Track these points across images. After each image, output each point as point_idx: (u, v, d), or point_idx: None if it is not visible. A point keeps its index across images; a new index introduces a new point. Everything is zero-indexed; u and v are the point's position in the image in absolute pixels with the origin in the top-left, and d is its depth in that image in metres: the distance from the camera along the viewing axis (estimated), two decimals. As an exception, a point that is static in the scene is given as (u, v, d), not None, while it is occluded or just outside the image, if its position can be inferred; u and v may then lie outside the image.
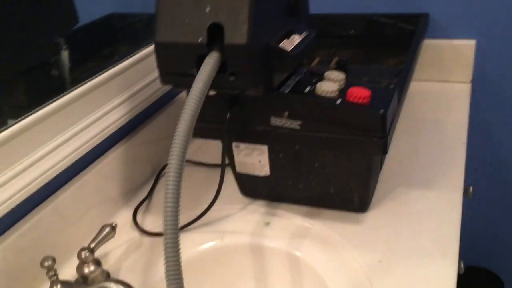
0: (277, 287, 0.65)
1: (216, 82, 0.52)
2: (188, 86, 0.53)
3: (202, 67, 0.51)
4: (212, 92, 0.56)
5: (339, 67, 0.91)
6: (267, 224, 0.68)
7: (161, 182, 0.80)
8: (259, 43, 0.52)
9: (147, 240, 0.68)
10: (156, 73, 0.81)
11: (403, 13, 1.00)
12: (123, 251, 0.66)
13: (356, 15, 1.03)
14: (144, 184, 0.80)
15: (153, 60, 0.81)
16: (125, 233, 0.69)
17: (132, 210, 0.74)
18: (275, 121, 0.61)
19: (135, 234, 0.69)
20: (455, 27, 0.98)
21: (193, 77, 0.52)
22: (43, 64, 0.69)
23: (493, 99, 1.01)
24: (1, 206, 0.54)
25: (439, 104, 0.94)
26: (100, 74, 0.70)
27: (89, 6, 0.77)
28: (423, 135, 0.84)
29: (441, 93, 0.99)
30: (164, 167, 0.83)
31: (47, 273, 0.54)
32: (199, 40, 0.52)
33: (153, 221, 0.71)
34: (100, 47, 0.84)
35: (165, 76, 0.56)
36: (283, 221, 0.68)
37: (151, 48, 0.81)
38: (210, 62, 0.51)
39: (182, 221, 0.67)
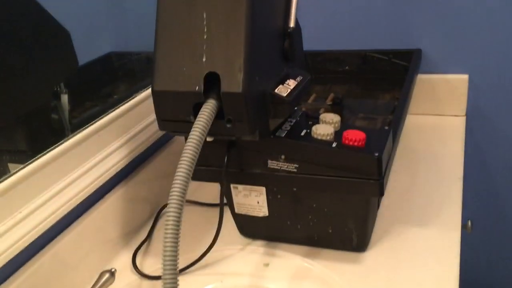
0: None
1: (213, 128, 0.53)
2: (185, 133, 0.54)
3: (200, 114, 0.52)
4: (209, 138, 0.57)
5: (335, 104, 0.93)
6: (267, 265, 0.68)
7: (160, 222, 0.81)
8: (255, 90, 0.54)
9: (146, 284, 0.68)
10: (153, 116, 0.82)
11: (396, 49, 1.02)
12: (123, 296, 0.66)
13: (350, 51, 1.05)
14: (144, 225, 0.80)
15: (150, 103, 0.82)
16: (125, 277, 0.69)
17: (132, 252, 0.74)
18: (272, 164, 0.61)
19: (135, 277, 0.69)
20: (447, 62, 1.00)
21: (190, 124, 0.53)
22: (43, 108, 0.70)
23: (487, 131, 1.02)
24: (2, 255, 0.55)
25: (434, 137, 0.96)
26: (99, 119, 0.72)
27: (87, 46, 0.78)
28: (419, 170, 0.85)
29: (435, 126, 1.00)
30: (163, 207, 0.83)
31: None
32: (196, 88, 0.53)
33: (152, 263, 0.71)
34: (99, 87, 0.86)
35: (163, 123, 0.57)
36: (282, 262, 0.68)
37: (148, 91, 0.83)
38: (207, 110, 0.52)
39: (181, 263, 0.68)
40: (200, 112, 0.52)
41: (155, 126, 0.81)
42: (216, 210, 0.81)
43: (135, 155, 0.77)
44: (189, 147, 0.51)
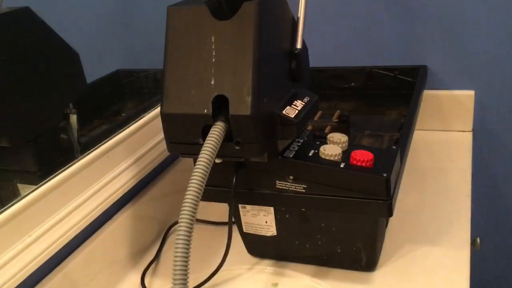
0: None
1: (222, 150, 0.54)
2: (194, 155, 0.55)
3: (208, 137, 0.53)
4: (218, 160, 0.58)
5: (341, 121, 0.93)
6: (275, 285, 0.68)
7: (169, 241, 0.81)
8: (263, 112, 0.54)
9: (155, 304, 0.68)
10: (161, 135, 0.83)
11: (402, 65, 1.02)
12: (132, 317, 0.66)
13: (356, 68, 1.05)
14: (152, 244, 0.80)
15: (157, 123, 0.82)
16: (133, 298, 0.69)
17: (140, 273, 0.74)
18: (281, 184, 0.62)
19: (143, 298, 0.69)
20: (453, 79, 1.00)
21: (199, 146, 0.53)
22: (53, 129, 0.71)
23: (494, 147, 1.02)
24: (13, 278, 0.55)
25: (442, 153, 0.95)
26: (108, 140, 0.72)
27: (95, 64, 0.79)
28: (427, 187, 0.85)
29: (443, 142, 1.00)
30: (171, 226, 0.83)
31: None
32: (205, 111, 0.54)
33: (161, 284, 0.71)
34: (106, 104, 0.87)
35: (172, 145, 0.57)
36: (291, 282, 0.68)
37: (155, 111, 0.83)
38: (216, 133, 0.53)
39: (190, 284, 0.67)
40: (209, 135, 0.53)
41: (163, 145, 0.82)
42: (224, 228, 0.82)
43: (143, 175, 0.77)
44: (199, 170, 0.51)
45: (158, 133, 0.82)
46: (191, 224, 0.50)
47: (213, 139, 0.53)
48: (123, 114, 0.90)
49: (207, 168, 0.52)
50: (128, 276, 0.74)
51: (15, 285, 0.55)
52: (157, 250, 0.78)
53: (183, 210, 0.50)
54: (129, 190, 0.75)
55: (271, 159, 0.58)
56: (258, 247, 0.72)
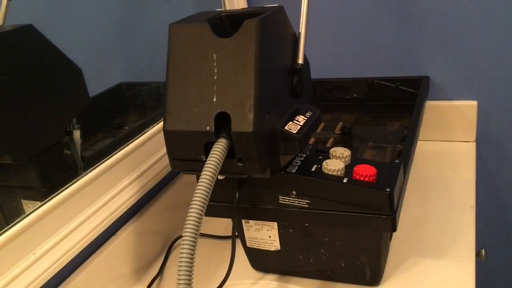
0: None
1: (224, 167, 0.54)
2: (197, 171, 0.55)
3: (211, 154, 0.53)
4: (221, 177, 0.58)
5: (343, 133, 0.93)
6: (280, 300, 0.67)
7: (172, 256, 0.81)
8: (265, 129, 0.54)
9: (159, 320, 0.67)
10: (163, 150, 0.83)
11: (404, 76, 1.02)
12: (136, 334, 0.66)
13: (358, 79, 1.05)
14: (156, 259, 0.80)
15: (159, 138, 0.83)
16: (138, 314, 0.69)
17: (144, 288, 0.74)
18: (284, 200, 0.62)
19: (148, 314, 0.69)
20: (455, 89, 1.00)
21: (202, 163, 0.53)
22: (56, 145, 0.71)
23: (498, 157, 1.02)
24: (15, 297, 0.55)
25: (445, 163, 0.95)
26: (111, 156, 0.72)
27: (97, 77, 0.80)
28: (430, 199, 0.85)
29: (446, 152, 1.00)
30: (175, 240, 0.83)
31: None
32: (207, 128, 0.54)
33: (165, 299, 0.71)
34: (109, 117, 0.87)
35: (174, 162, 0.57)
36: (295, 297, 0.68)
37: (157, 126, 0.84)
38: (219, 149, 0.53)
39: (194, 300, 0.67)
40: (211, 152, 0.53)
41: (165, 160, 0.82)
42: (227, 242, 0.82)
43: (146, 190, 0.77)
44: (201, 187, 0.51)
45: (161, 148, 0.82)
46: (195, 239, 0.50)
47: (215, 156, 0.53)
48: (126, 128, 0.91)
49: (210, 185, 0.52)
50: (132, 292, 0.74)
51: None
52: (161, 265, 0.78)
53: (187, 227, 0.50)
54: (132, 206, 0.75)
55: (274, 174, 0.58)
56: (261, 261, 0.72)
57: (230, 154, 0.54)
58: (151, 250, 0.79)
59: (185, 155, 0.56)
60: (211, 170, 0.52)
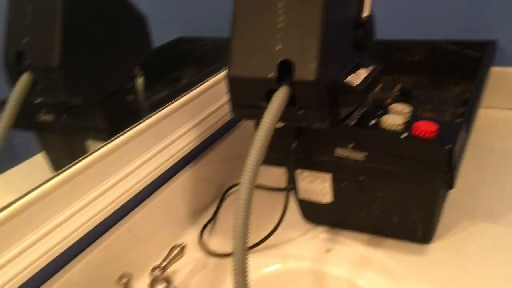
0: (338, 315, 0.66)
1: (284, 115, 0.55)
2: (257, 118, 0.56)
3: (272, 101, 0.54)
4: (280, 124, 0.59)
5: (402, 94, 0.92)
6: (329, 251, 0.69)
7: (226, 203, 0.84)
8: (327, 79, 0.54)
9: (212, 260, 0.71)
10: (223, 99, 0.85)
11: (469, 39, 0.99)
12: (190, 271, 0.69)
13: (420, 41, 1.03)
14: (209, 205, 0.83)
15: (220, 87, 0.84)
16: (191, 253, 0.73)
17: (198, 231, 0.77)
18: (340, 152, 0.62)
19: (201, 254, 0.72)
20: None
21: (262, 110, 0.54)
22: (120, 91, 0.74)
23: None
24: (84, 225, 0.59)
25: (508, 133, 0.92)
26: (172, 102, 0.75)
27: (157, 31, 0.81)
28: (490, 165, 0.83)
29: (508, 120, 0.96)
30: (229, 188, 0.86)
31: (124, 289, 0.57)
32: (270, 75, 0.55)
33: (217, 241, 0.74)
34: (167, 71, 0.89)
35: (236, 108, 0.59)
36: (344, 249, 0.69)
37: (217, 77, 0.85)
38: (280, 97, 0.54)
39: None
40: (272, 99, 0.54)
41: (224, 110, 0.84)
42: (278, 195, 0.84)
43: (203, 138, 0.79)
44: (261, 133, 0.52)
45: (220, 98, 0.84)
46: (253, 179, 0.51)
47: (276, 103, 0.54)
48: (183, 80, 0.93)
49: (269, 131, 0.53)
50: (186, 232, 0.77)
51: (83, 234, 0.59)
52: (215, 211, 0.81)
53: (246, 167, 0.51)
54: (189, 152, 0.77)
55: (333, 126, 0.59)
56: (313, 213, 0.73)
57: (291, 103, 0.55)
58: (205, 196, 0.82)
59: (247, 101, 0.58)
60: (271, 117, 0.53)
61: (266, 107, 0.54)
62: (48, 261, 0.56)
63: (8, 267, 0.52)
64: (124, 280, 0.57)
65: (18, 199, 0.54)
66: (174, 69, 0.92)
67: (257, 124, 0.57)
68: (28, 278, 0.53)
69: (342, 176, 0.66)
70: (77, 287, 0.59)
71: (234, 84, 0.57)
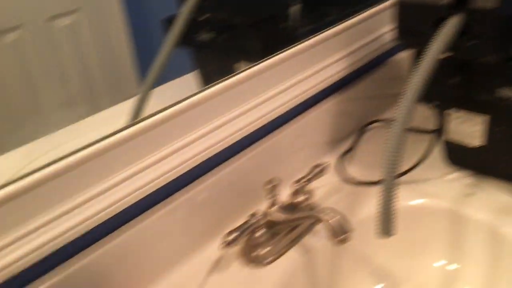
0: (473, 258, 0.65)
1: (452, 45, 0.53)
2: (422, 46, 0.55)
3: (444, 29, 0.52)
4: (444, 55, 0.57)
5: None
6: (470, 195, 0.67)
7: (364, 137, 0.84)
8: (506, 9, 0.51)
9: (347, 187, 0.73)
10: (377, 33, 0.83)
11: None
12: (325, 192, 0.72)
13: None
14: (347, 137, 0.85)
15: (376, 20, 0.83)
16: (328, 177, 0.75)
17: (336, 158, 0.79)
18: (503, 92, 0.59)
19: (336, 179, 0.74)
20: None
21: (430, 38, 0.53)
22: (277, 16, 0.76)
23: None
24: (234, 134, 0.64)
25: None
26: (326, 30, 0.75)
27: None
28: None
29: None
30: (370, 123, 0.86)
31: (270, 192, 0.61)
32: (444, 2, 0.53)
33: (354, 171, 0.76)
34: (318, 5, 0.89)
35: (402, 34, 0.58)
36: (487, 196, 0.67)
37: (377, 8, 0.83)
38: (452, 25, 0.52)
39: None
40: (445, 26, 0.52)
41: (377, 43, 0.83)
42: (420, 136, 0.82)
43: (352, 69, 0.80)
44: (429, 57, 0.52)
45: (376, 29, 0.83)
46: (411, 106, 0.51)
47: (447, 32, 0.52)
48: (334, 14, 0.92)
49: (435, 59, 0.52)
50: (324, 158, 0.80)
51: (233, 142, 0.64)
52: (353, 141, 0.82)
53: (407, 91, 0.51)
54: (336, 82, 0.78)
55: (501, 62, 0.56)
56: (459, 156, 0.71)
57: (460, 33, 0.53)
58: (345, 127, 0.84)
59: (415, 28, 0.57)
60: (440, 45, 0.52)
61: (434, 35, 0.53)
62: (203, 160, 0.61)
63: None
64: (271, 185, 0.61)
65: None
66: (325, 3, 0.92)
67: (418, 54, 0.56)
68: (188, 169, 0.60)
69: (499, 119, 0.63)
70: (229, 184, 0.65)
71: (403, 10, 0.57)
